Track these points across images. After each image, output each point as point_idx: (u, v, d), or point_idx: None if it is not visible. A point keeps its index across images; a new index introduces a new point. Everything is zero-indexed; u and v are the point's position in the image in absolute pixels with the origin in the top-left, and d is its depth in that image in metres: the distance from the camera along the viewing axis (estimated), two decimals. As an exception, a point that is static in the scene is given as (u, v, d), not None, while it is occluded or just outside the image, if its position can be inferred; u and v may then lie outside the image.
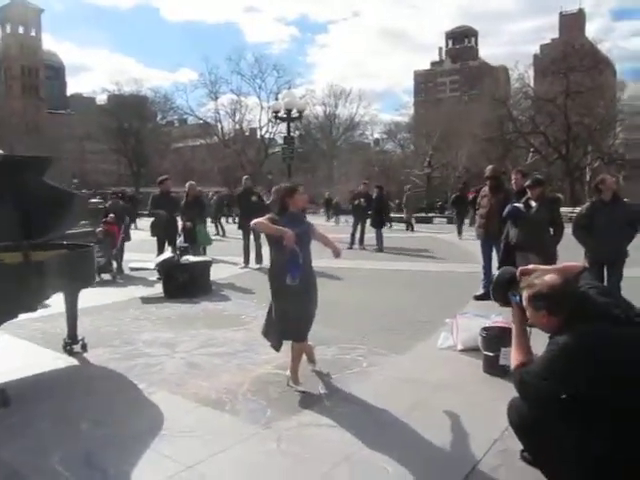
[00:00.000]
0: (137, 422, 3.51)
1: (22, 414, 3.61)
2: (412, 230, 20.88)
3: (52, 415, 3.61)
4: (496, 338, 4.31)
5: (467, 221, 18.33)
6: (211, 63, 78.16)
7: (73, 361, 4.81)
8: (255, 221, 4.02)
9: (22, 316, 4.14)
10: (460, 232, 17.38)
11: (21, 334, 5.46)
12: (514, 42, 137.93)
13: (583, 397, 2.21)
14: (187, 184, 10.50)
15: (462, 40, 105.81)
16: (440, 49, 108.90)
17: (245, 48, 79.68)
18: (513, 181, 6.81)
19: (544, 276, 2.40)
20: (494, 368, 4.28)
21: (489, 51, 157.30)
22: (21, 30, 76.98)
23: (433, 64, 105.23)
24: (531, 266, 2.69)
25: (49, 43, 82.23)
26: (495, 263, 7.08)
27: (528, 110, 45.12)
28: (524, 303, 2.43)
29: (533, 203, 6.05)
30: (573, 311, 2.29)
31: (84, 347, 4.98)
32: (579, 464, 2.20)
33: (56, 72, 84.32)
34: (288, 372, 4.16)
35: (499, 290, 2.75)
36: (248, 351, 5.02)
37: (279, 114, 18.90)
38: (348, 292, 7.95)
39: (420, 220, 27.36)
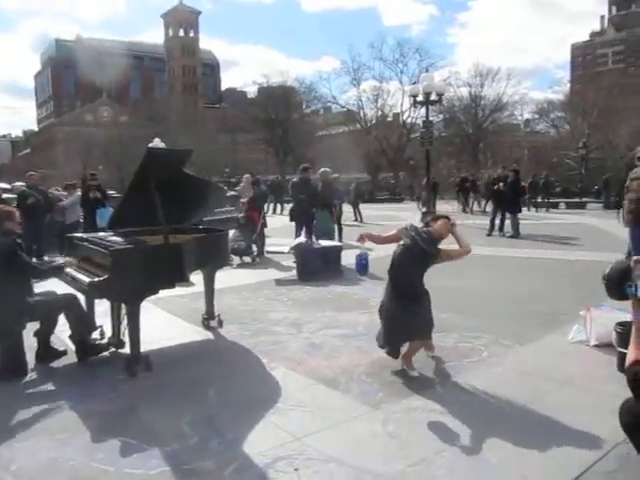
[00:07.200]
0: (256, 393, 3.80)
1: (161, 378, 4.08)
2: None
3: (185, 381, 4.05)
4: (633, 334, 3.95)
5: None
6: (353, 50, 78.52)
7: (209, 335, 5.30)
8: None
9: (170, 293, 4.66)
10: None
11: (170, 309, 6.14)
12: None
13: None
14: (319, 171, 10.81)
15: (628, 5, 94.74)
16: (602, 17, 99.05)
17: (384, 32, 79.45)
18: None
19: None
20: (630, 367, 3.93)
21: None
22: (181, 33, 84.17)
23: (592, 35, 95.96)
24: (646, 256, 2.44)
25: (203, 42, 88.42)
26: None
27: None
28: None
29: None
30: None
31: (220, 323, 5.47)
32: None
33: (211, 69, 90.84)
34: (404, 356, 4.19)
35: (612, 284, 2.53)
36: (369, 334, 5.09)
37: (417, 98, 18.66)
38: (477, 279, 7.69)
39: (572, 205, 25.42)
